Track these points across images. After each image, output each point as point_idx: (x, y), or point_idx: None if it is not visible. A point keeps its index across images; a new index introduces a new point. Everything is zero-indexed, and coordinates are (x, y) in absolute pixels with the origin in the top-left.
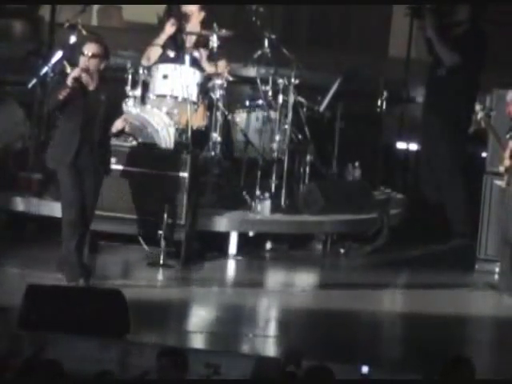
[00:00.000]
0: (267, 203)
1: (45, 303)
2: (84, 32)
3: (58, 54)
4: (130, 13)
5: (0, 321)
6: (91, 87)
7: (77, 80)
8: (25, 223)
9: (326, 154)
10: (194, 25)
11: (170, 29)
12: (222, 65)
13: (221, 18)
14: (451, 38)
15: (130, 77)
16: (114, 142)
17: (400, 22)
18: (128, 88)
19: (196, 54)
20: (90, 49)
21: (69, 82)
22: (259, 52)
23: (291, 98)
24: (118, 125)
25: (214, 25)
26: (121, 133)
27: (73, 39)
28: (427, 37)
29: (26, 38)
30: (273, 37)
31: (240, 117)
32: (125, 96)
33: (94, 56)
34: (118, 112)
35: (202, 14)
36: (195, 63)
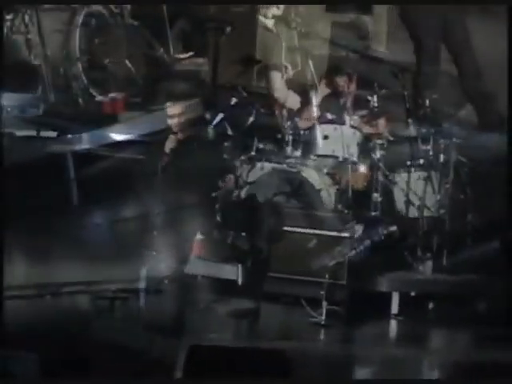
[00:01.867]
0: (429, 263)
1: (207, 363)
2: (244, 93)
3: (220, 116)
4: (289, 73)
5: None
6: (184, 137)
7: (173, 150)
8: None
9: (487, 212)
10: (352, 85)
11: (323, 89)
12: (381, 124)
13: (378, 78)
14: None
15: (290, 137)
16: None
17: None
18: (289, 148)
19: (356, 113)
20: (173, 109)
21: (167, 150)
22: (421, 111)
23: (452, 158)
24: None
25: (375, 84)
26: None
27: (233, 100)
28: None
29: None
30: (434, 96)
31: (401, 176)
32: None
33: (181, 114)
34: None
35: (355, 76)
36: (355, 123)
